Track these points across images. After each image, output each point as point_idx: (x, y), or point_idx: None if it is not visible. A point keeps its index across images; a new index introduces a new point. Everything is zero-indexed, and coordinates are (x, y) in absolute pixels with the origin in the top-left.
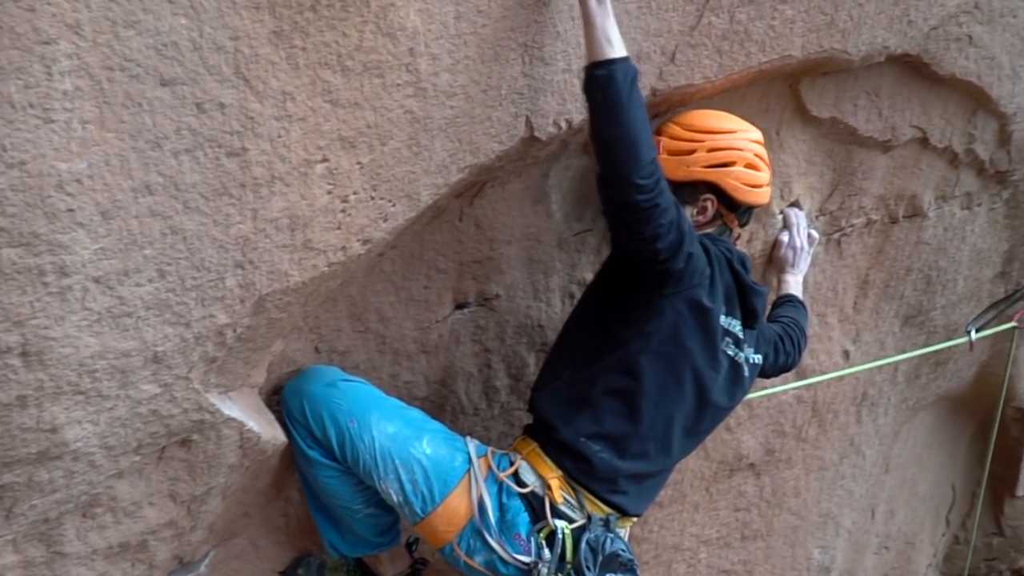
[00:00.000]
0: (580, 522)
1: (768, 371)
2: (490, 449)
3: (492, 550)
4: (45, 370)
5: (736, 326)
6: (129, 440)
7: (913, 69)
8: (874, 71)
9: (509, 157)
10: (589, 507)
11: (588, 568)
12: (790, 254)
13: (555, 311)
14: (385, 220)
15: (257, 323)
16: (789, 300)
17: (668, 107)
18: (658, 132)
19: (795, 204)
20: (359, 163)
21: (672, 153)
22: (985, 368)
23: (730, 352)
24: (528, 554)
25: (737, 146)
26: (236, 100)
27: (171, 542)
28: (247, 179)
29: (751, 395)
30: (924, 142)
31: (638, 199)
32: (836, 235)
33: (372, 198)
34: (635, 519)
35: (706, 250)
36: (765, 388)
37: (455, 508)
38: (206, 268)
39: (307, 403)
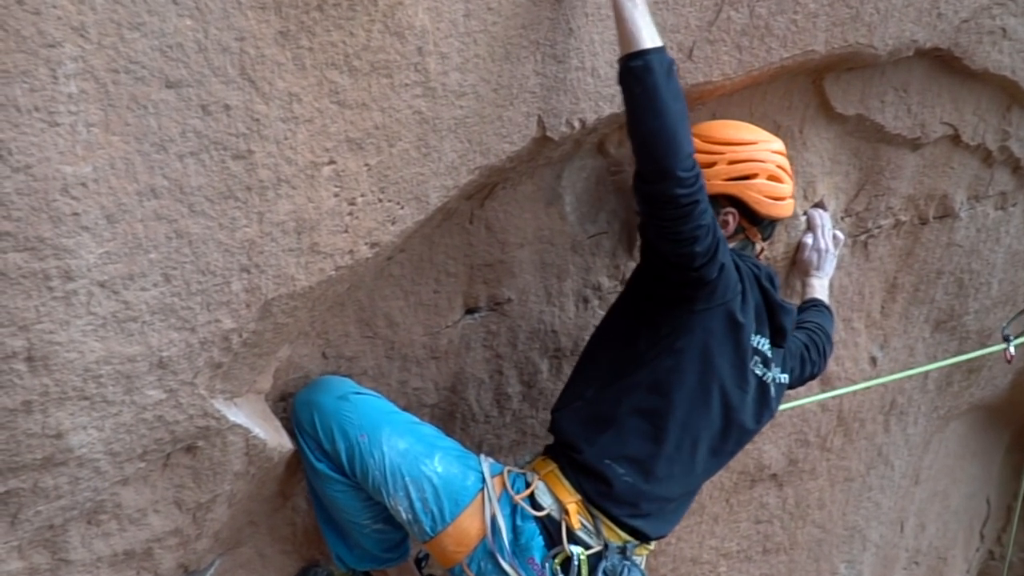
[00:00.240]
0: (597, 549)
1: (794, 384)
2: (506, 468)
3: (504, 573)
4: (50, 375)
5: (765, 345)
6: (134, 446)
7: (944, 63)
8: (902, 66)
9: (521, 158)
10: (607, 533)
11: None
12: (815, 257)
13: (569, 316)
14: (393, 223)
15: (263, 328)
16: (814, 305)
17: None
18: None
19: (819, 205)
20: (367, 165)
21: None
22: (1022, 375)
23: (758, 372)
24: None
25: (758, 158)
26: (242, 102)
27: (176, 550)
28: (253, 182)
29: None
30: (956, 139)
31: (678, 193)
32: (863, 237)
33: (380, 200)
34: (653, 546)
35: (736, 266)
36: (790, 399)
37: (466, 528)
38: (211, 272)
39: (317, 415)
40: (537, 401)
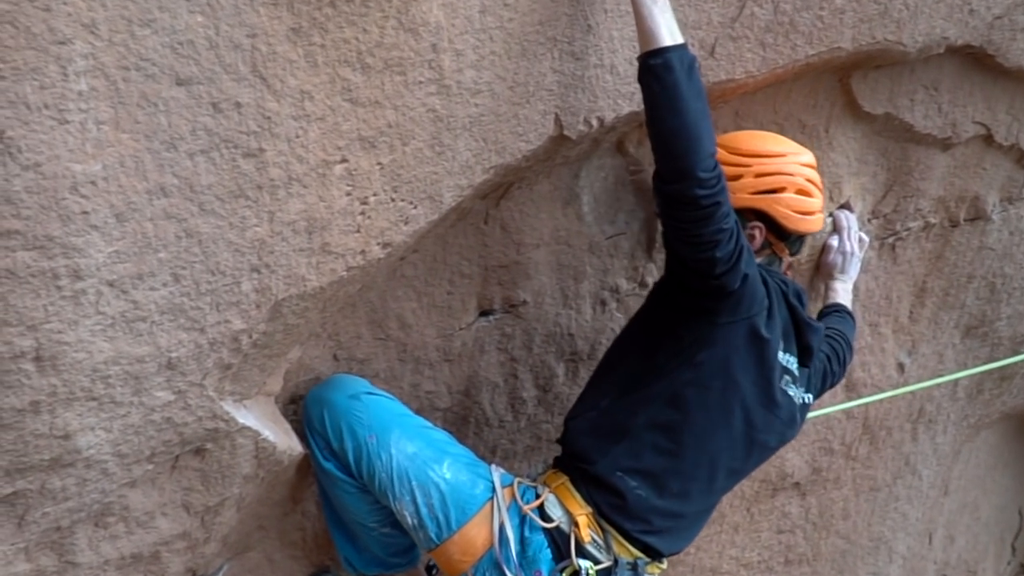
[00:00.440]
0: (606, 564)
1: (815, 397)
2: (516, 479)
3: None
4: (58, 375)
5: (793, 363)
6: (142, 448)
7: (976, 61)
8: (932, 64)
9: (537, 157)
10: (617, 549)
11: None
12: (839, 259)
13: (585, 319)
14: (406, 223)
15: (273, 329)
16: (837, 310)
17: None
18: None
19: (845, 206)
20: (379, 164)
21: None
22: None
23: (789, 391)
24: None
25: (787, 171)
26: (253, 99)
27: (184, 554)
28: (264, 181)
29: None
30: (988, 139)
31: (699, 194)
32: (891, 240)
33: (392, 200)
34: (666, 564)
35: (764, 281)
36: (816, 408)
37: (472, 538)
38: (221, 272)
39: (327, 413)
40: (552, 406)
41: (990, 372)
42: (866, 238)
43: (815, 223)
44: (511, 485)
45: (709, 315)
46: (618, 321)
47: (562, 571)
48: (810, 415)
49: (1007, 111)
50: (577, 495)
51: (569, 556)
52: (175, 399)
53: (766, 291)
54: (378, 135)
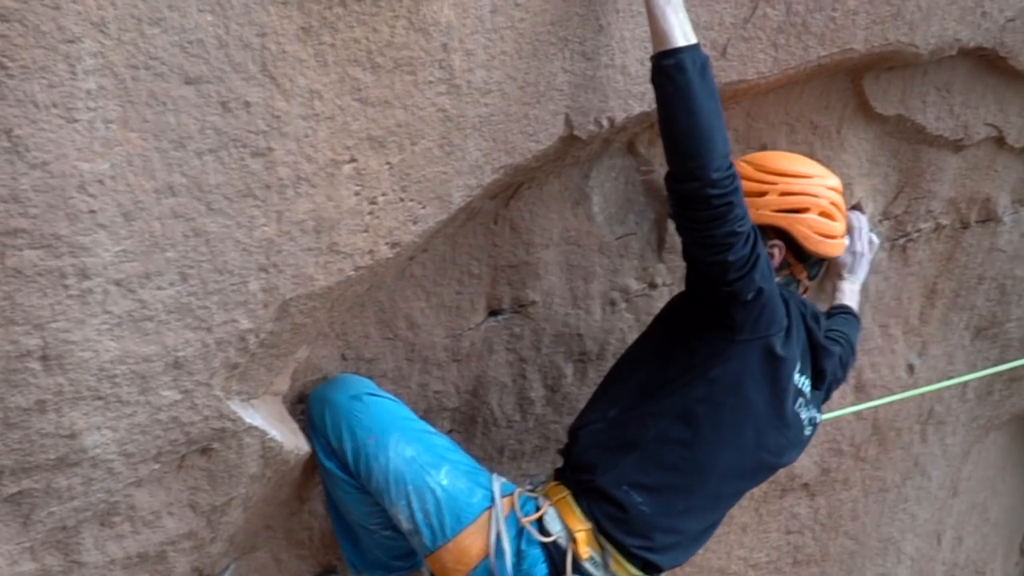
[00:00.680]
0: None
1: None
2: (517, 490)
3: None
4: (65, 374)
5: (807, 385)
6: (148, 447)
7: (988, 63)
8: (945, 65)
9: (547, 157)
10: (615, 567)
11: None
12: (849, 259)
13: (595, 319)
14: (415, 223)
15: (281, 328)
16: (843, 312)
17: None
18: None
19: (856, 207)
20: (388, 163)
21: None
22: None
23: (801, 413)
24: None
25: (812, 192)
26: (262, 99)
27: (190, 554)
28: (272, 180)
29: None
30: (1000, 141)
31: (711, 193)
32: (901, 241)
33: (401, 200)
34: None
35: (785, 302)
36: (827, 409)
37: (467, 547)
38: (229, 271)
39: (329, 412)
40: (561, 406)
41: (1000, 373)
42: (876, 239)
43: (836, 247)
44: (511, 495)
45: (725, 331)
46: (627, 322)
47: None
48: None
49: (1019, 113)
50: (578, 510)
51: (564, 572)
52: (182, 398)
53: (786, 311)
54: (387, 135)
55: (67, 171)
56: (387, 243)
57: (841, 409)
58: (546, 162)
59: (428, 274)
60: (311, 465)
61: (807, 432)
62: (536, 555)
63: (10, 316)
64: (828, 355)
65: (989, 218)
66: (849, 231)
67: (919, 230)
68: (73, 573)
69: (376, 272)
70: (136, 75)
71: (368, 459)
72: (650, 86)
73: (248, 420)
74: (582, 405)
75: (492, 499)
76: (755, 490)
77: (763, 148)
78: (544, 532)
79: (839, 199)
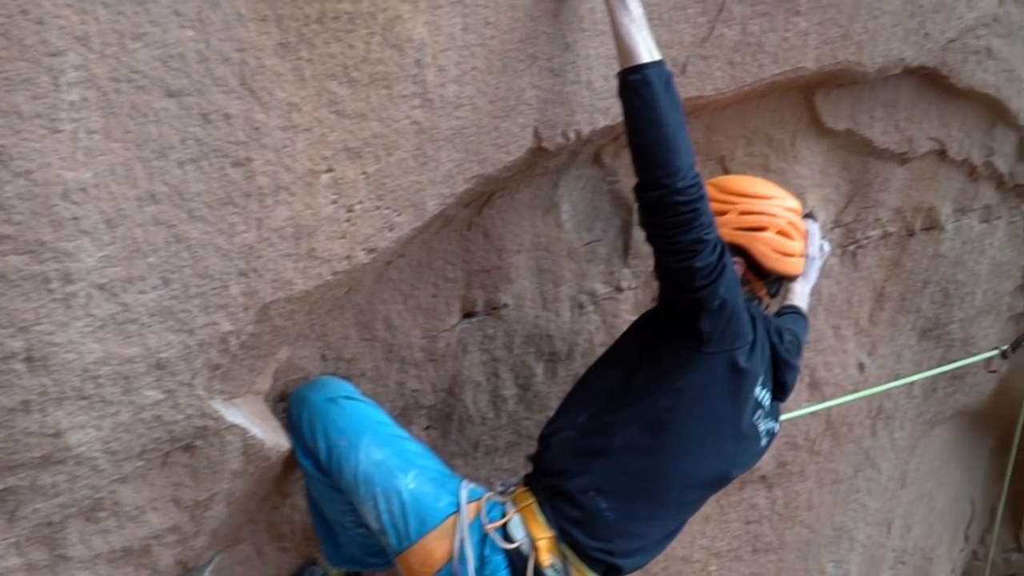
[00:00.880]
0: None
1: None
2: (486, 495)
3: None
4: (49, 375)
5: (767, 398)
6: (132, 445)
7: (931, 81)
8: (891, 83)
9: (517, 167)
10: (575, 575)
11: None
12: None
13: (564, 321)
14: (391, 230)
15: (261, 331)
16: (792, 311)
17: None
18: None
19: (810, 215)
20: (364, 173)
21: None
22: (1005, 383)
23: (759, 425)
24: None
25: (771, 212)
26: (242, 111)
27: (174, 547)
28: (252, 189)
29: None
30: (942, 154)
31: (677, 200)
32: (852, 247)
33: (378, 208)
34: None
35: (752, 317)
36: (785, 410)
37: (431, 550)
38: (210, 276)
39: (306, 412)
40: (532, 403)
41: (944, 372)
42: (827, 246)
43: (793, 265)
44: (478, 500)
45: (692, 342)
46: (595, 323)
47: None
48: (781, 418)
49: (959, 128)
50: (541, 518)
51: None
52: (165, 398)
53: (753, 327)
54: (363, 146)
55: (51, 179)
56: (364, 249)
57: (799, 409)
58: (516, 172)
59: (405, 278)
60: (292, 461)
61: (763, 443)
62: (499, 561)
63: None
64: (790, 369)
65: (933, 226)
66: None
67: (868, 237)
68: (59, 567)
69: (354, 276)
70: (118, 88)
71: (340, 459)
72: (615, 100)
73: (230, 419)
74: (553, 403)
75: (458, 505)
76: None
77: (722, 159)
78: (508, 539)
79: (797, 219)
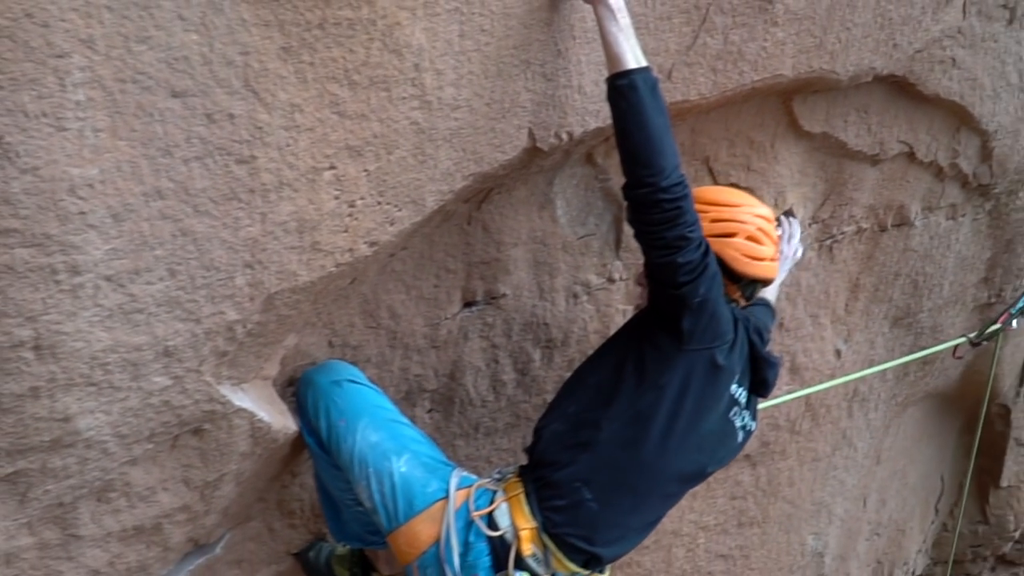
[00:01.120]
0: None
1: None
2: (477, 482)
3: None
4: (57, 363)
5: (743, 395)
6: (142, 429)
7: (900, 88)
8: (863, 90)
9: (513, 166)
10: (555, 565)
11: None
12: None
13: (559, 310)
14: (391, 224)
15: (267, 319)
16: (761, 303)
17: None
18: None
19: (790, 213)
20: (366, 171)
21: None
22: (971, 368)
23: (736, 420)
24: None
25: (740, 219)
26: (245, 111)
27: (185, 525)
28: (256, 185)
29: None
30: (911, 156)
31: (662, 198)
32: (828, 242)
33: (379, 203)
34: (608, 572)
35: (735, 319)
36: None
37: (417, 532)
38: (216, 268)
39: (311, 393)
40: (530, 387)
41: (915, 359)
42: (801, 250)
43: (764, 269)
44: (468, 488)
45: (675, 339)
46: (589, 312)
47: None
48: (763, 405)
49: (927, 132)
50: (526, 508)
51: (507, 566)
52: (172, 384)
53: (734, 327)
54: (364, 145)
55: (57, 175)
56: (366, 242)
57: (782, 395)
58: (512, 170)
59: (408, 269)
60: (301, 442)
61: (739, 439)
62: (482, 548)
63: (2, 309)
64: (769, 365)
65: (903, 222)
66: (781, 235)
67: (843, 232)
68: (71, 545)
69: (356, 268)
70: (124, 88)
71: (338, 439)
72: (605, 104)
73: (237, 403)
74: (549, 387)
75: (447, 491)
76: None
77: (707, 159)
78: (493, 527)
79: (767, 226)
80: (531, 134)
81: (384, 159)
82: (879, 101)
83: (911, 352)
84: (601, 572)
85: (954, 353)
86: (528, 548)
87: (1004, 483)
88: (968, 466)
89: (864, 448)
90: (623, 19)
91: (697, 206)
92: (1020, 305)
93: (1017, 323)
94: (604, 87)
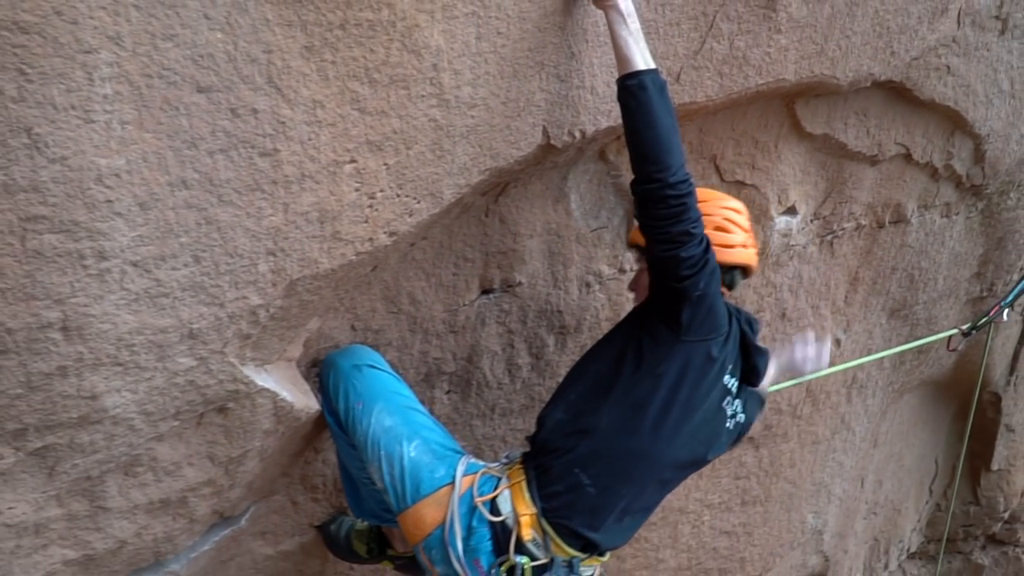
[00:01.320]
0: (543, 561)
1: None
2: (483, 469)
3: (451, 566)
4: (85, 343)
5: (734, 384)
6: (167, 407)
7: (897, 93)
8: (862, 94)
9: (528, 162)
10: (554, 549)
11: None
12: (787, 358)
13: (572, 298)
14: (410, 215)
15: (289, 304)
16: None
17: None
18: None
19: (818, 341)
20: (386, 164)
21: None
22: (964, 357)
23: (727, 409)
24: None
25: (707, 212)
26: (268, 106)
27: (210, 498)
28: (279, 176)
29: None
30: (908, 157)
31: (669, 194)
32: (829, 237)
33: (398, 196)
34: (607, 557)
35: (729, 313)
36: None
37: (423, 515)
38: (239, 255)
39: (333, 375)
40: (544, 371)
41: (911, 348)
42: (826, 358)
43: (737, 255)
44: (474, 474)
45: (673, 330)
46: (600, 301)
47: (500, 565)
48: (772, 389)
49: (923, 135)
50: (527, 495)
51: (508, 550)
52: (197, 364)
53: (729, 321)
54: (384, 140)
55: (85, 165)
56: (385, 232)
57: (785, 382)
58: (528, 166)
59: (428, 258)
60: (322, 421)
61: (729, 426)
62: (484, 533)
63: (31, 292)
64: (760, 354)
65: (900, 220)
66: (803, 358)
67: (843, 228)
68: (99, 517)
69: (376, 256)
70: (150, 83)
71: (355, 420)
72: (616, 104)
73: (260, 383)
74: (562, 371)
75: (453, 477)
76: None
77: (714, 158)
78: (495, 512)
79: (734, 216)
80: (545, 132)
81: (403, 154)
82: (877, 105)
83: (907, 342)
84: (601, 556)
85: (948, 345)
86: (528, 533)
87: (995, 467)
88: (961, 450)
89: (862, 432)
90: (633, 24)
91: None
92: (1010, 299)
93: (1007, 315)
94: (615, 88)
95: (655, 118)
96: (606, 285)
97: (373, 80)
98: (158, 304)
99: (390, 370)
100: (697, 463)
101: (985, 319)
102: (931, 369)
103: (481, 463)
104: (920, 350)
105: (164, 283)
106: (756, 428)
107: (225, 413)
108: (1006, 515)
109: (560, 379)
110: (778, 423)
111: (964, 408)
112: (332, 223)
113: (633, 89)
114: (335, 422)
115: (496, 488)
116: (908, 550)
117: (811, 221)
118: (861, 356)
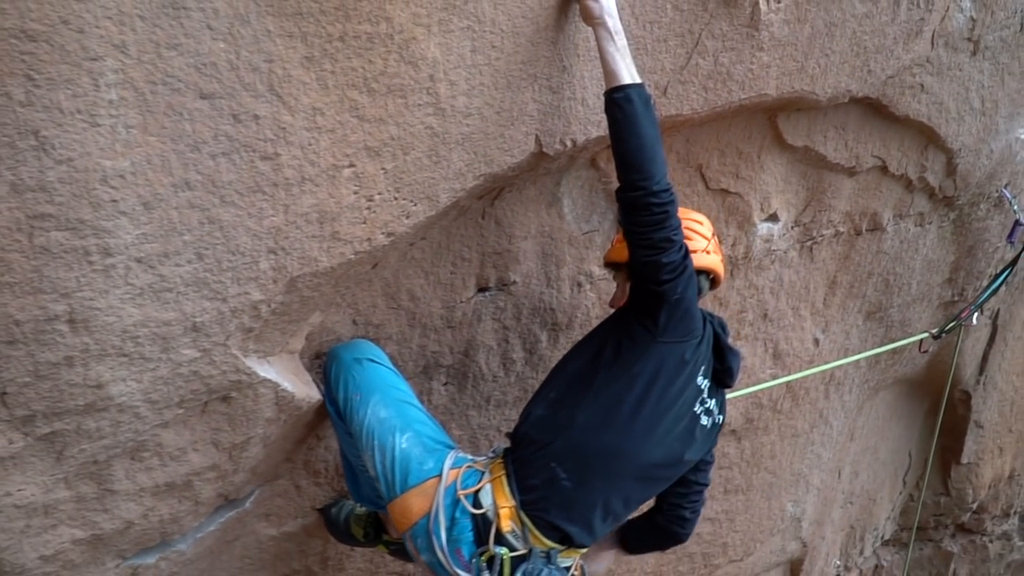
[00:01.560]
0: (521, 552)
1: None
2: (469, 462)
3: (435, 554)
4: (90, 335)
5: (706, 385)
6: (172, 396)
7: (874, 109)
8: (840, 109)
9: (522, 168)
10: (532, 540)
11: None
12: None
13: (564, 297)
14: (407, 217)
15: (290, 300)
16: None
17: (662, 132)
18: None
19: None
20: (383, 169)
21: (621, 241)
22: (936, 357)
23: (701, 408)
24: (468, 571)
25: None
26: (269, 113)
27: (215, 483)
28: (279, 179)
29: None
30: (884, 169)
31: (652, 201)
32: (809, 243)
33: (395, 198)
34: (585, 550)
35: (704, 319)
36: (758, 382)
37: (409, 505)
38: (241, 253)
39: (334, 366)
40: (537, 365)
41: (886, 350)
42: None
43: (700, 259)
44: (460, 467)
45: (650, 331)
46: (591, 299)
47: (481, 555)
48: (751, 389)
49: (898, 148)
50: (507, 489)
51: (488, 540)
52: (200, 356)
53: (703, 325)
54: (382, 146)
55: (90, 167)
56: (383, 233)
57: (768, 381)
58: (521, 172)
59: (427, 257)
60: (324, 410)
61: (705, 424)
62: (466, 524)
63: (38, 286)
64: (733, 354)
65: (876, 227)
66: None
67: (822, 235)
68: (106, 499)
69: (375, 256)
70: (155, 89)
71: (352, 411)
72: (605, 116)
73: (262, 374)
74: (554, 365)
75: (441, 470)
76: None
77: (700, 167)
78: (477, 505)
79: (697, 226)
80: (538, 140)
81: (400, 159)
82: (855, 120)
83: (883, 342)
84: (579, 548)
85: (920, 348)
86: (507, 525)
87: (964, 460)
88: (932, 444)
89: (839, 426)
90: (620, 40)
91: None
92: (979, 303)
93: (976, 319)
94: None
95: (640, 129)
96: (596, 285)
97: (371, 89)
98: (162, 298)
99: (390, 365)
100: (676, 463)
101: (954, 322)
102: (905, 368)
103: (468, 457)
104: (895, 351)
105: (168, 279)
106: (739, 421)
107: (228, 402)
108: (974, 506)
109: None
110: (760, 417)
111: (936, 405)
112: (331, 224)
113: (620, 101)
114: (335, 411)
115: (479, 482)
116: (882, 537)
117: (792, 228)
118: (839, 355)
